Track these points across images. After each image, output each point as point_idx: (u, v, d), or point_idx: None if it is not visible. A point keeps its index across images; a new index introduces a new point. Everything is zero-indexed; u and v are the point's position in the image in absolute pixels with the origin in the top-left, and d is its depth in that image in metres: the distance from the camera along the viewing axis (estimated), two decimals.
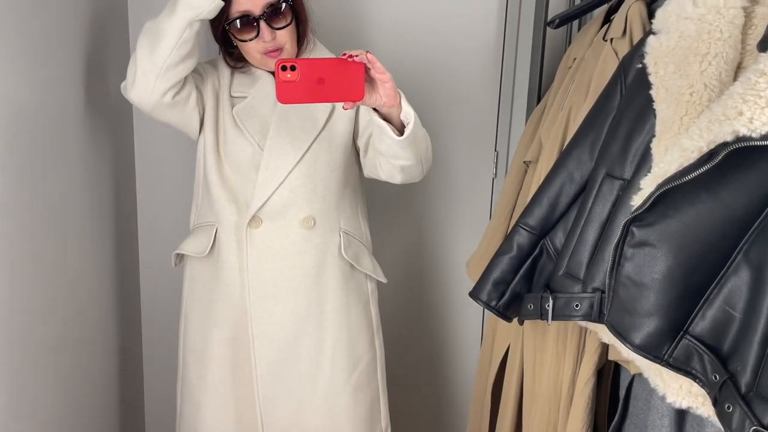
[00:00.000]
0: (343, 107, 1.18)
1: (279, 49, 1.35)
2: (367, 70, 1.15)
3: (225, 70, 1.45)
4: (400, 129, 1.27)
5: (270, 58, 1.35)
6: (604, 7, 1.41)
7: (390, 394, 1.58)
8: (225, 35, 1.38)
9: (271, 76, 1.41)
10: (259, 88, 1.42)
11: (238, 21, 1.32)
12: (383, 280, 1.54)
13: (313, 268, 1.41)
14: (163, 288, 1.86)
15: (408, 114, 1.24)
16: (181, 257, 1.49)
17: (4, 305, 1.19)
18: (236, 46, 1.40)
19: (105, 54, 1.61)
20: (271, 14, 1.32)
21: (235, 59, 1.43)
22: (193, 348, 1.47)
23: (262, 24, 1.32)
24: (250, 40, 1.33)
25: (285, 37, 1.35)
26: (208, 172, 1.41)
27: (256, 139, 1.38)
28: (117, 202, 1.71)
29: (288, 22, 1.35)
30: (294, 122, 1.39)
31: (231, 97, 1.42)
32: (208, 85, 1.42)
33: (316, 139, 1.39)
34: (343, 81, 1.12)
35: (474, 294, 1.28)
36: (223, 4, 1.26)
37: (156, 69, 1.26)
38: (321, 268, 1.42)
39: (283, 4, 1.33)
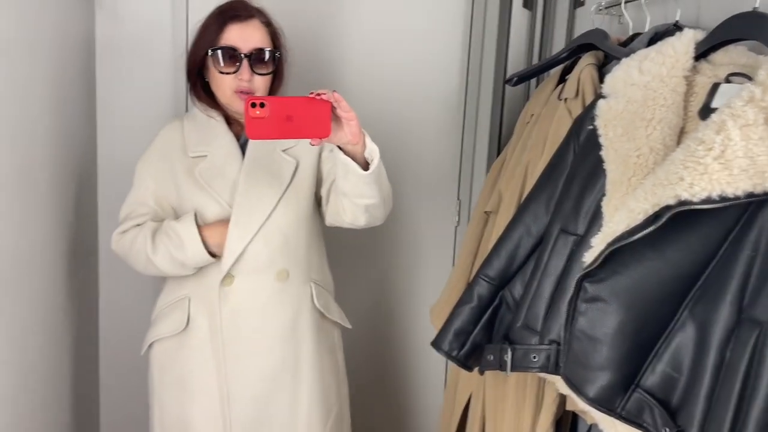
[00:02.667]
0: (310, 143, 1.20)
1: (250, 93, 1.37)
2: (333, 108, 1.17)
3: (175, 135, 1.44)
4: (364, 167, 1.28)
5: (239, 98, 1.36)
6: (560, 67, 1.48)
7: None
8: (202, 66, 1.39)
9: (229, 130, 1.42)
10: (219, 146, 1.41)
11: (221, 51, 1.34)
12: (348, 326, 1.55)
13: (288, 320, 1.41)
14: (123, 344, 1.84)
15: (372, 151, 1.26)
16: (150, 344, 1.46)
17: None
18: (207, 81, 1.40)
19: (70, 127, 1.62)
20: (257, 58, 1.36)
21: (201, 96, 1.42)
22: (171, 427, 1.42)
23: (245, 62, 1.34)
24: (228, 73, 1.35)
25: (260, 84, 1.38)
26: None
27: (224, 198, 1.38)
28: (78, 268, 1.69)
29: (268, 71, 1.38)
30: (261, 178, 1.40)
31: (190, 158, 1.41)
32: (168, 185, 1.42)
33: (284, 193, 1.40)
34: (311, 118, 1.15)
35: (436, 344, 1.30)
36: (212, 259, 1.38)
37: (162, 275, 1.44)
38: (296, 320, 1.42)
39: (268, 53, 1.37)
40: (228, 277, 1.38)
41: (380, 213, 1.39)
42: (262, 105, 1.11)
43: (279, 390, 1.40)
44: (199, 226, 1.36)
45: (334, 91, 1.17)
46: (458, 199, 1.93)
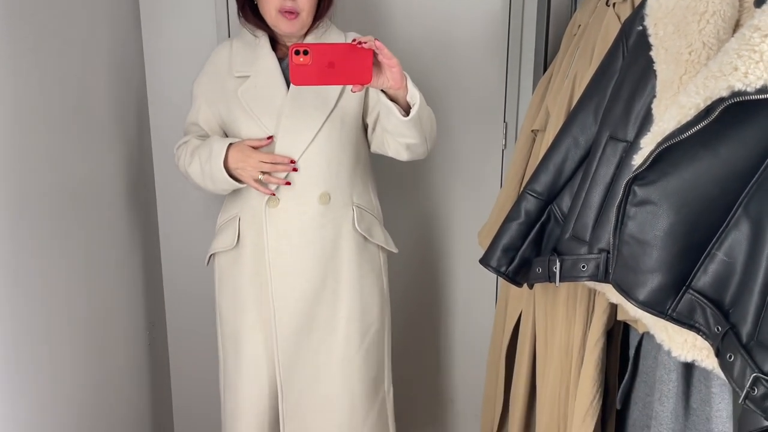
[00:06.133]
0: (351, 90, 1.23)
1: (295, 13, 1.39)
2: (375, 54, 1.20)
3: (223, 55, 1.49)
4: (407, 109, 1.31)
5: (284, 18, 1.39)
6: None
7: (401, 360, 1.64)
8: None
9: (272, 51, 1.45)
10: (261, 67, 1.45)
11: None
12: (394, 250, 1.58)
13: (329, 241, 1.46)
14: (184, 267, 1.92)
15: (414, 96, 1.29)
16: (211, 256, 1.56)
17: (39, 284, 1.25)
18: (255, 2, 1.43)
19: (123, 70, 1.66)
20: None
21: (249, 17, 1.46)
22: (228, 336, 1.53)
23: None
24: None
25: (305, 3, 1.39)
26: None
27: (264, 121, 1.43)
28: (137, 195, 1.76)
29: None
30: (306, 102, 1.43)
31: (235, 78, 1.46)
32: (218, 105, 1.48)
33: (328, 118, 1.43)
34: (353, 65, 1.18)
35: (484, 261, 1.31)
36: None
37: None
38: (336, 242, 1.47)
39: None
40: (273, 198, 1.43)
41: (422, 150, 1.43)
42: (305, 52, 1.15)
43: (320, 305, 1.48)
44: (233, 147, 1.40)
45: (376, 39, 1.19)
46: (504, 121, 1.90)
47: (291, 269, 1.45)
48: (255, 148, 1.41)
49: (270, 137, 1.42)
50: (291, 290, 1.46)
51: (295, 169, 1.42)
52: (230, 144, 1.41)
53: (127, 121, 1.71)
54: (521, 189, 1.36)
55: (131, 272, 1.73)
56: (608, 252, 1.06)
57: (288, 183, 1.42)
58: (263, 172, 1.40)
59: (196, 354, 1.97)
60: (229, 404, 1.54)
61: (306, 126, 1.42)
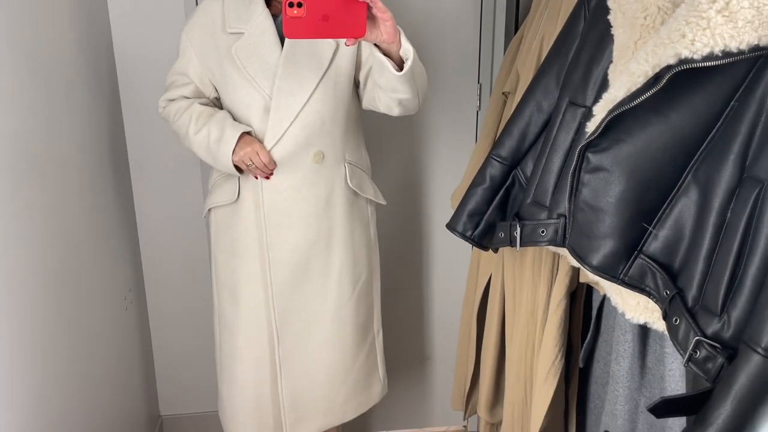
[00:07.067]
0: (345, 43, 1.24)
1: None
2: (369, 8, 1.20)
3: (215, 7, 1.47)
4: (399, 64, 1.31)
5: None
6: None
7: (384, 304, 1.71)
8: None
9: (267, 8, 1.44)
10: (255, 24, 1.44)
11: None
12: (383, 202, 1.64)
13: (322, 198, 1.51)
14: (162, 236, 1.93)
15: (407, 51, 1.29)
16: (209, 211, 1.60)
17: (8, 251, 1.25)
18: None
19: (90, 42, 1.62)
20: None
21: None
22: (224, 285, 1.59)
23: None
24: None
25: None
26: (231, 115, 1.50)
27: (257, 81, 1.43)
28: (109, 160, 1.75)
29: None
30: (301, 62, 1.43)
31: (228, 34, 1.45)
32: (210, 61, 1.47)
33: (322, 78, 1.44)
34: (347, 18, 1.17)
35: (450, 225, 1.33)
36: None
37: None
38: (329, 198, 1.52)
39: None
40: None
41: (414, 105, 1.44)
42: (299, 5, 1.14)
43: (313, 257, 1.53)
44: (243, 136, 1.43)
45: None
46: (479, 82, 1.89)
47: (286, 223, 1.50)
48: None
49: (271, 173, 1.46)
50: (285, 243, 1.51)
51: (267, 177, 1.47)
52: (242, 133, 1.44)
53: (95, 82, 1.68)
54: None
55: (106, 239, 1.74)
56: (566, 217, 1.07)
57: (267, 177, 1.47)
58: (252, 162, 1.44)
59: (177, 318, 2.00)
60: (226, 346, 1.61)
61: (301, 87, 1.43)
